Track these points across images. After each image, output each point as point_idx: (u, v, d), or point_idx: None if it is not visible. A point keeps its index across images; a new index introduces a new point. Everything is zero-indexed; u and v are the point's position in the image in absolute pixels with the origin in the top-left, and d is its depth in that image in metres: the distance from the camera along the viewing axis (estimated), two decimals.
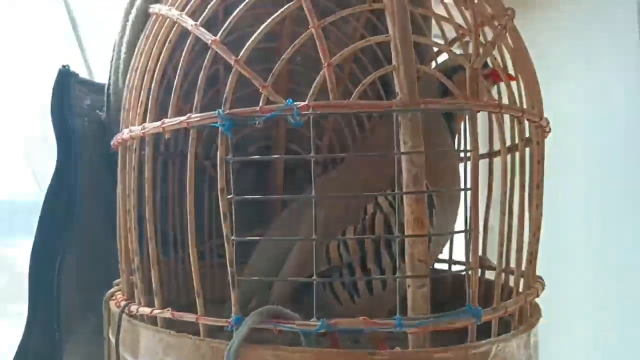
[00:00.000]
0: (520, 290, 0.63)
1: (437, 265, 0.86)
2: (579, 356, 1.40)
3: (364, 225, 0.67)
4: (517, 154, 0.63)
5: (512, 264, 0.64)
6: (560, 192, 1.44)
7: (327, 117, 1.00)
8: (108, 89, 0.77)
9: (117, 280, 0.70)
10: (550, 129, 0.66)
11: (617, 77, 1.30)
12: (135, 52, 0.65)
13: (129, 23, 0.69)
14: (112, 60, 0.75)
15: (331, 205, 0.71)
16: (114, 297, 0.67)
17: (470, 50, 0.60)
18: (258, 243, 0.80)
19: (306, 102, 0.51)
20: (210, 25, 0.78)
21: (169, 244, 0.87)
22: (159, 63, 0.58)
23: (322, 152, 1.02)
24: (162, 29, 0.59)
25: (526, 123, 0.63)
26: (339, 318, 0.51)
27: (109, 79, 0.76)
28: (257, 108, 0.51)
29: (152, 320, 0.58)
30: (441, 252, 0.79)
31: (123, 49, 0.71)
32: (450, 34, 0.81)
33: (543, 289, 0.65)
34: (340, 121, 1.01)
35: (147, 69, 0.59)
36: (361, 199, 0.68)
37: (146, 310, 0.58)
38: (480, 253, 0.80)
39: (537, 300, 0.67)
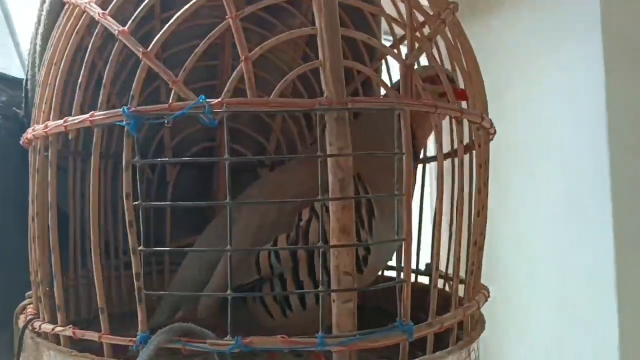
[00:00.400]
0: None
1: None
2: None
3: (297, 232, 0.63)
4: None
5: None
6: (524, 193, 1.43)
7: (273, 117, 0.96)
8: (26, 84, 0.72)
9: (29, 292, 0.64)
10: (495, 130, 0.63)
11: (580, 77, 1.28)
12: (48, 45, 0.60)
13: (44, 13, 0.64)
14: (29, 53, 0.69)
15: (265, 210, 0.66)
16: (24, 311, 0.62)
17: None
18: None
19: (219, 99, 0.46)
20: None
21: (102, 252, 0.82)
22: (65, 56, 0.53)
23: (268, 154, 0.97)
24: (72, 19, 0.54)
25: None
26: (265, 334, 0.47)
27: (27, 73, 0.70)
28: (166, 105, 0.46)
29: (57, 338, 0.53)
30: (385, 265, 0.75)
31: (38, 41, 0.65)
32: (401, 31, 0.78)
33: (486, 300, 0.62)
34: (289, 121, 0.96)
35: (54, 62, 0.54)
36: (297, 204, 0.64)
37: (48, 327, 0.52)
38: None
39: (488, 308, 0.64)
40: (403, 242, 0.50)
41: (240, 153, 0.95)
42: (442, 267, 0.77)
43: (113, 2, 0.51)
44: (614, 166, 1.21)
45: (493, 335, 1.38)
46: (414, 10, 0.59)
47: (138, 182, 0.48)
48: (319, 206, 0.63)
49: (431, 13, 0.59)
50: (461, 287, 0.60)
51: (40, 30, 0.64)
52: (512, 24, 1.39)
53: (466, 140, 0.60)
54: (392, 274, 0.84)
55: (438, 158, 0.52)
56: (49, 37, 0.61)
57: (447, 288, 0.75)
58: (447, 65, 0.62)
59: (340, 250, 0.48)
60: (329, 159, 0.49)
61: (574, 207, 1.31)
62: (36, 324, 0.55)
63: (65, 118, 0.50)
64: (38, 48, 0.66)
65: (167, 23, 0.69)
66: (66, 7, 0.58)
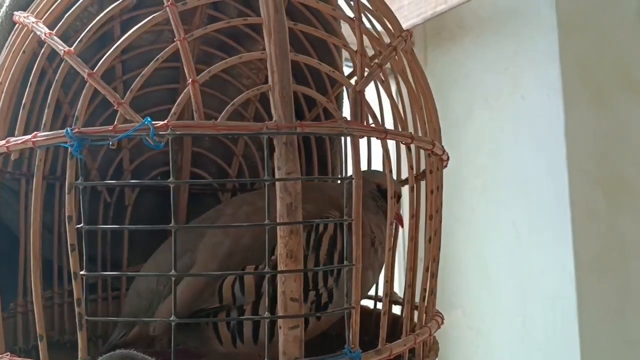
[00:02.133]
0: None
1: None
2: None
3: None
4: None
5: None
6: (487, 218, 1.44)
7: (236, 141, 0.95)
8: None
9: None
10: (448, 157, 0.63)
11: (540, 104, 1.30)
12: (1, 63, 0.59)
13: None
14: None
15: (239, 234, 0.65)
16: None
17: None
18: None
19: (164, 122, 0.46)
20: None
21: (53, 275, 0.80)
22: (11, 75, 0.52)
23: (230, 178, 0.97)
24: (19, 38, 0.53)
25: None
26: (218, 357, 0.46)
27: None
28: (110, 127, 0.46)
29: None
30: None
31: None
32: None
33: (439, 326, 0.61)
34: (251, 146, 0.96)
35: (0, 81, 0.53)
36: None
37: None
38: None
39: (441, 335, 0.63)
40: (352, 268, 0.50)
41: (202, 177, 0.94)
42: (401, 294, 0.77)
43: (60, 23, 0.50)
44: (574, 190, 1.24)
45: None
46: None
47: (81, 204, 0.47)
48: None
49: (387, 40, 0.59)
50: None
51: None
52: (474, 54, 1.42)
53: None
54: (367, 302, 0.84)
55: (388, 183, 0.52)
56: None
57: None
58: (401, 90, 0.62)
59: (287, 276, 0.48)
60: (277, 184, 0.48)
61: (535, 232, 1.33)
62: None
63: (8, 139, 0.49)
64: None
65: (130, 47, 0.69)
66: (16, 26, 0.58)
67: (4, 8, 0.62)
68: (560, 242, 1.26)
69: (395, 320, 0.72)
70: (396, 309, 0.74)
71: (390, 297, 0.78)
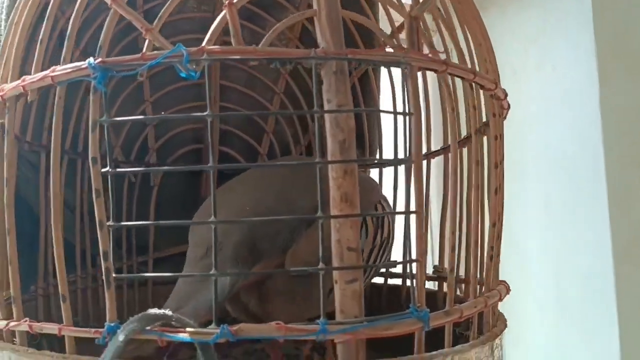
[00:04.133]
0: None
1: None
2: None
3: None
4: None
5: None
6: (517, 194, 1.37)
7: (266, 119, 0.89)
8: None
9: None
10: (509, 104, 0.57)
11: (573, 77, 1.23)
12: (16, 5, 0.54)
13: None
14: None
15: (260, 198, 0.59)
16: None
17: None
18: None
19: (200, 47, 0.40)
20: None
21: (76, 258, 0.75)
22: (26, 14, 0.47)
23: (261, 159, 0.91)
24: None
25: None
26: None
27: None
28: (138, 55, 0.40)
29: (12, 336, 0.45)
30: None
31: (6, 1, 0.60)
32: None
33: (507, 292, 0.54)
34: (282, 123, 0.91)
35: (15, 22, 0.48)
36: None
37: (2, 323, 0.45)
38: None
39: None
40: (415, 215, 0.43)
41: (230, 156, 0.89)
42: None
43: None
44: (610, 166, 1.16)
45: None
46: None
47: (107, 145, 0.41)
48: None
49: None
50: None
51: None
52: (501, 24, 1.35)
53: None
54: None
55: (449, 117, 0.45)
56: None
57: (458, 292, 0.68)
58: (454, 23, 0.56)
59: (342, 222, 0.41)
60: (327, 119, 0.42)
61: (569, 208, 1.25)
62: None
63: (24, 77, 0.43)
64: (5, 10, 0.60)
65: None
66: None
67: None
68: (596, 219, 1.18)
69: (431, 294, 0.66)
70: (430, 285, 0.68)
71: (440, 270, 0.71)
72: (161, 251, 0.84)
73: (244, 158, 0.89)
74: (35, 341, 0.47)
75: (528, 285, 1.30)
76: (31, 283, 0.68)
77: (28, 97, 0.44)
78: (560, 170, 1.28)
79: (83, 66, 0.41)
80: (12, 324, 0.44)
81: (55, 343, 0.44)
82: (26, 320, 0.43)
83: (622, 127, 1.21)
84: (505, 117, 0.58)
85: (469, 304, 0.47)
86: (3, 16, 0.60)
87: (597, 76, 1.19)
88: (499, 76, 0.56)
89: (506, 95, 0.55)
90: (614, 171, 1.19)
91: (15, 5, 0.49)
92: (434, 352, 0.43)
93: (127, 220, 0.82)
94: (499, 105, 0.54)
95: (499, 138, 0.53)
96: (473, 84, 0.49)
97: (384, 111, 0.57)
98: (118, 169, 0.42)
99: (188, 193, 0.86)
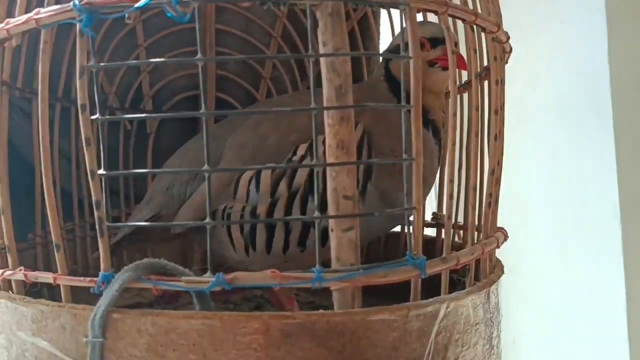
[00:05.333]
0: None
1: None
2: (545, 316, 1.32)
3: (284, 170, 0.56)
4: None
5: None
6: (524, 148, 1.36)
7: (263, 64, 0.87)
8: None
9: None
10: (511, 47, 0.55)
11: (581, 29, 1.20)
12: None
13: None
14: None
15: (264, 133, 0.60)
16: None
17: None
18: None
19: None
20: None
21: (73, 207, 0.74)
22: None
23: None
24: None
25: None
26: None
27: None
28: None
29: (10, 287, 0.45)
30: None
31: None
32: None
33: (505, 239, 0.54)
34: (280, 69, 0.89)
35: None
36: (300, 135, 0.57)
37: None
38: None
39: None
40: (412, 162, 0.42)
41: (228, 102, 0.87)
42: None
43: None
44: (619, 121, 1.14)
45: None
46: None
47: (96, 92, 0.40)
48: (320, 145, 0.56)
49: None
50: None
51: None
52: None
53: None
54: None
55: (450, 61, 0.44)
56: None
57: (456, 239, 0.68)
58: None
59: (338, 170, 0.41)
60: (322, 63, 0.41)
61: (576, 166, 1.24)
62: None
63: (7, 20, 0.42)
64: None
65: None
66: None
67: None
68: (604, 176, 1.17)
69: (429, 241, 0.66)
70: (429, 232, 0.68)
71: (438, 216, 0.71)
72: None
73: (241, 104, 0.87)
74: (36, 289, 0.47)
75: (533, 244, 1.30)
76: (30, 232, 0.68)
77: (13, 42, 0.42)
78: (567, 126, 1.25)
79: (68, 8, 0.39)
80: (7, 272, 0.44)
81: (56, 292, 0.44)
82: (21, 269, 0.43)
83: (631, 79, 1.19)
84: (506, 61, 0.56)
85: (466, 251, 0.47)
86: None
87: (606, 28, 1.16)
88: (501, 18, 0.54)
89: (508, 38, 0.53)
90: (622, 125, 1.17)
91: None
92: (430, 300, 0.43)
93: (124, 169, 0.81)
94: (501, 48, 0.52)
95: (499, 83, 0.51)
96: (474, 26, 0.48)
97: (383, 55, 0.55)
98: (109, 116, 0.41)
99: (185, 140, 0.85)
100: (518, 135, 1.35)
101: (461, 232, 0.67)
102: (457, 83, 0.48)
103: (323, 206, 0.41)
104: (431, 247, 0.65)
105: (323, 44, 0.41)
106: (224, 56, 0.85)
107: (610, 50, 1.15)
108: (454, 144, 0.46)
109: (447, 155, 0.47)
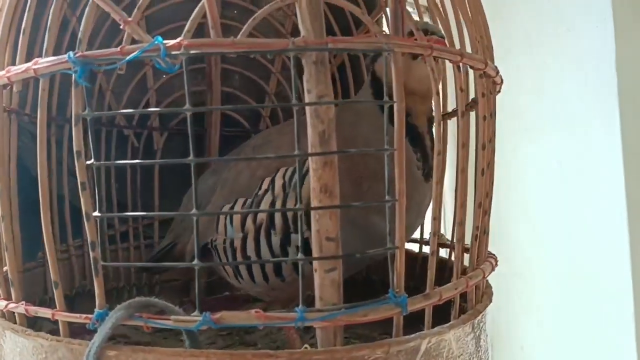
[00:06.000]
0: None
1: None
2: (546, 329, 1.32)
3: (252, 201, 0.60)
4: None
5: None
6: (533, 155, 1.36)
7: (268, 80, 0.89)
8: None
9: None
10: (502, 79, 0.56)
11: (588, 37, 1.19)
12: None
13: None
14: None
15: (256, 165, 0.63)
16: None
17: None
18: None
19: (177, 40, 0.40)
20: None
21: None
22: (8, 1, 0.47)
23: (263, 121, 0.91)
24: None
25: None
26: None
27: None
28: (117, 49, 0.40)
29: (14, 318, 0.48)
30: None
31: None
32: None
33: (493, 269, 0.55)
34: (284, 83, 0.90)
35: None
36: (267, 170, 0.60)
37: (2, 304, 0.47)
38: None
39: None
40: (396, 204, 0.44)
41: (233, 118, 0.89)
42: (448, 235, 0.71)
43: None
44: (626, 128, 1.14)
45: (501, 310, 1.32)
46: None
47: (91, 139, 0.42)
48: (279, 177, 0.58)
49: None
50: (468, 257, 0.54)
51: None
52: None
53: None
54: (412, 246, 0.78)
55: (435, 109, 0.45)
56: None
57: (452, 258, 0.69)
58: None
59: (321, 213, 0.42)
60: (307, 110, 0.42)
61: (583, 172, 1.24)
62: None
63: (8, 68, 0.44)
64: None
65: None
66: None
67: None
68: (611, 184, 1.17)
69: (442, 265, 0.67)
70: (443, 253, 0.69)
71: (438, 238, 0.72)
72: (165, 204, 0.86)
73: (247, 121, 0.89)
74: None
75: (540, 251, 1.31)
76: (39, 250, 0.71)
77: (14, 87, 0.44)
78: (574, 133, 1.26)
79: (63, 59, 0.41)
80: (11, 305, 0.46)
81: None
82: (23, 303, 0.45)
83: (638, 87, 1.19)
84: (498, 92, 0.57)
85: (449, 286, 0.48)
86: None
87: (613, 35, 1.15)
88: (491, 51, 0.55)
89: (498, 72, 0.54)
90: (630, 133, 1.17)
91: None
92: (412, 335, 0.44)
93: (131, 184, 0.83)
94: (490, 83, 0.53)
95: (488, 117, 0.52)
96: (461, 64, 0.49)
97: (368, 101, 0.56)
98: (104, 162, 0.43)
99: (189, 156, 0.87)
100: (525, 143, 1.35)
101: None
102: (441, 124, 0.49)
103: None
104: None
105: (308, 91, 0.42)
106: (225, 120, 0.88)
107: (618, 58, 1.15)
108: (439, 183, 0.47)
109: (434, 193, 0.48)
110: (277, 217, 0.57)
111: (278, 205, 0.57)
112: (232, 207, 0.61)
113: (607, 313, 1.22)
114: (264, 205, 0.58)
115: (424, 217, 0.65)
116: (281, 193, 0.57)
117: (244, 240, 0.58)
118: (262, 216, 0.58)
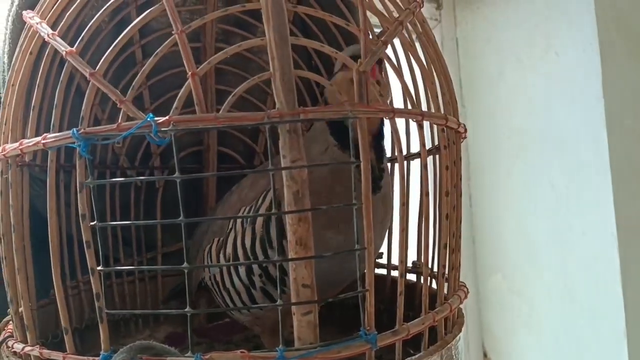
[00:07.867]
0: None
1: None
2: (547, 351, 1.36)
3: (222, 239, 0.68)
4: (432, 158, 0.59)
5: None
6: (525, 179, 1.41)
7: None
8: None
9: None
10: (466, 129, 0.62)
11: (575, 61, 1.25)
12: (12, 64, 0.60)
13: (8, 32, 0.64)
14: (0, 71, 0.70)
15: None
16: (6, 327, 0.63)
17: None
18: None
19: (166, 117, 0.46)
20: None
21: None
22: (21, 76, 0.53)
23: (258, 157, 0.97)
24: (27, 39, 0.54)
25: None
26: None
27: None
28: (114, 126, 0.46)
29: (29, 358, 0.54)
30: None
31: (5, 59, 0.66)
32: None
33: (461, 301, 0.61)
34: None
35: (12, 83, 0.54)
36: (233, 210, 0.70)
37: (19, 347, 0.53)
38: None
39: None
40: (365, 251, 0.49)
41: (229, 156, 0.95)
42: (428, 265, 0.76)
43: (62, 22, 0.51)
44: (613, 149, 1.18)
45: (500, 325, 1.36)
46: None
47: (93, 203, 0.48)
48: (239, 222, 0.65)
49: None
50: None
51: (6, 49, 0.65)
52: (504, 11, 1.36)
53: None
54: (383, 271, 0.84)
55: (399, 161, 0.51)
56: (12, 56, 0.61)
57: (434, 284, 0.74)
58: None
59: (297, 264, 0.48)
60: (283, 173, 0.48)
61: (574, 194, 1.29)
62: (10, 343, 0.56)
63: (21, 141, 0.50)
64: (5, 67, 0.66)
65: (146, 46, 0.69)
66: (26, 25, 0.59)
67: (14, 7, 0.63)
68: (601, 203, 1.21)
69: (411, 287, 0.72)
70: (411, 277, 0.74)
71: (406, 273, 0.78)
72: (169, 246, 0.92)
73: (242, 157, 0.95)
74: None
75: (536, 270, 1.35)
76: (51, 287, 0.77)
77: (25, 158, 0.50)
78: (564, 154, 1.30)
79: (68, 135, 0.47)
80: (27, 348, 0.52)
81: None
82: (37, 347, 0.51)
83: (625, 108, 1.23)
84: (463, 140, 0.63)
85: (417, 321, 0.53)
86: (5, 59, 0.66)
87: (599, 59, 1.20)
88: (455, 105, 0.60)
89: (459, 124, 0.59)
90: (617, 153, 1.21)
91: (11, 66, 0.55)
92: None
93: (136, 219, 0.89)
94: (453, 134, 0.59)
95: (452, 166, 0.58)
96: (422, 123, 0.54)
97: (334, 164, 0.62)
98: (106, 223, 0.49)
99: (191, 193, 0.93)
100: (520, 166, 1.41)
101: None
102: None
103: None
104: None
105: (283, 157, 0.48)
106: (222, 158, 0.96)
107: (604, 80, 1.20)
108: (403, 230, 0.53)
109: (397, 239, 0.53)
110: (240, 251, 0.64)
111: (239, 240, 0.63)
112: (210, 246, 0.69)
113: (601, 332, 1.26)
114: (230, 241, 0.65)
115: (386, 227, 0.68)
116: (240, 229, 0.64)
117: (221, 274, 0.67)
118: (229, 251, 0.65)
